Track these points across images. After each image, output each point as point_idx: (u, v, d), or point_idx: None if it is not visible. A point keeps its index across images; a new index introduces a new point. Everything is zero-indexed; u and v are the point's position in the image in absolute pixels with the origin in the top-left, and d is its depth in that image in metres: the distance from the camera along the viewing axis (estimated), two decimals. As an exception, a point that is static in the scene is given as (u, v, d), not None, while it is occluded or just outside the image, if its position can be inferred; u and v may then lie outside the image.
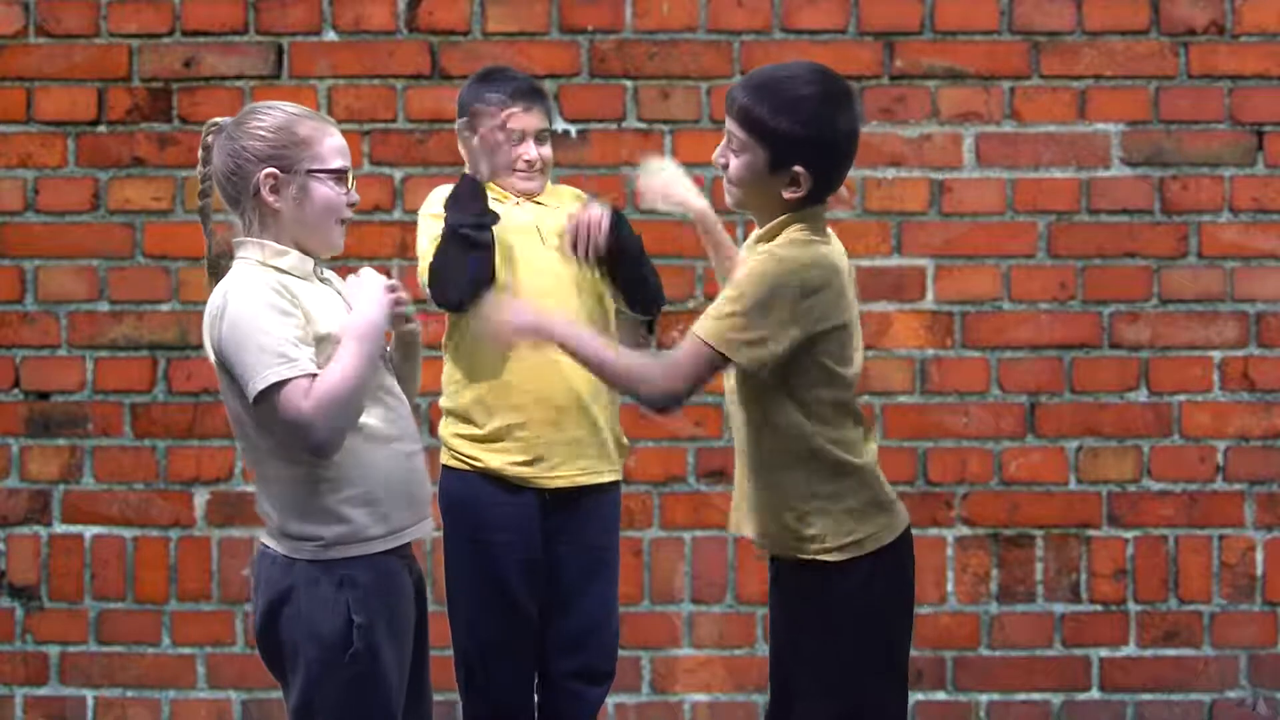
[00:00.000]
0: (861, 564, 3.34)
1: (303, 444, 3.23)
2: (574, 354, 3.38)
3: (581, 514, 4.18)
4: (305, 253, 3.36)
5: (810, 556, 3.35)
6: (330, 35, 5.26)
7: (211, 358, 3.31)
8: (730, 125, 3.38)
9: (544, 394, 4.10)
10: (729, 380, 3.43)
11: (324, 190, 3.34)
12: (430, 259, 4.06)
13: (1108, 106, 5.23)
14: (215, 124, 3.40)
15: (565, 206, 4.23)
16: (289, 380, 3.20)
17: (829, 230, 3.43)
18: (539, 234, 4.14)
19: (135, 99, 5.26)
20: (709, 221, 3.80)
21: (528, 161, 4.16)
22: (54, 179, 5.27)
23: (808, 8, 5.23)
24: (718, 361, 3.29)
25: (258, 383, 3.20)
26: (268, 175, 3.31)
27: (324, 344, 3.29)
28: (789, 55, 5.20)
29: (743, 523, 3.47)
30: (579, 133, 5.20)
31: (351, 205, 3.40)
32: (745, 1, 5.24)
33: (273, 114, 3.37)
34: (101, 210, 5.27)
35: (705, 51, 5.23)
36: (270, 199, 3.32)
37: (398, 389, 3.43)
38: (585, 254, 4.05)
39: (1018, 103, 5.23)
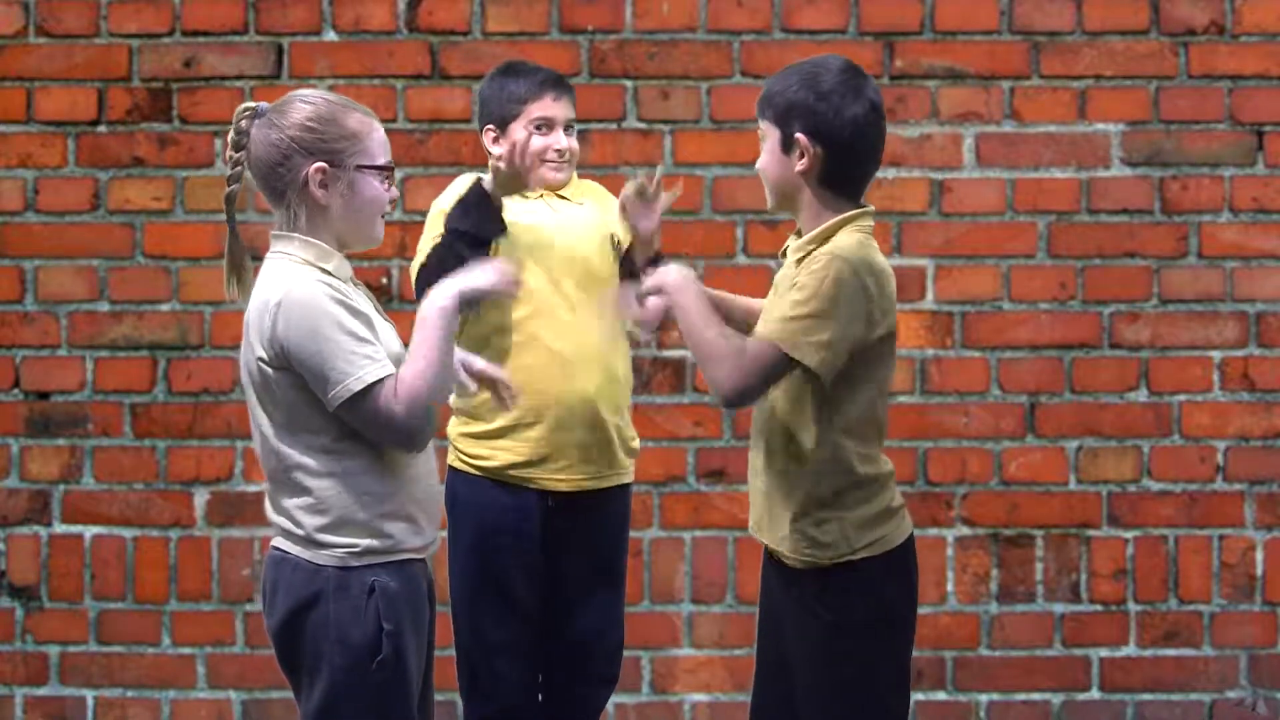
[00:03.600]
0: (872, 564, 3.35)
1: (398, 444, 3.22)
2: (685, 322, 3.36)
3: (586, 519, 4.15)
4: (344, 248, 3.31)
5: (825, 563, 3.35)
6: (330, 35, 5.26)
7: (258, 354, 3.21)
8: (759, 121, 3.41)
9: (552, 395, 4.07)
10: None
11: (371, 186, 3.28)
12: (424, 257, 4.02)
13: (1108, 106, 5.23)
14: (251, 109, 3.30)
15: (590, 202, 4.22)
16: (383, 380, 3.17)
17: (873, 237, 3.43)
18: (552, 228, 4.11)
19: (135, 99, 5.26)
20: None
21: (558, 151, 4.12)
22: (54, 179, 5.27)
23: (808, 8, 5.23)
24: (785, 364, 3.27)
25: (351, 384, 3.15)
26: (317, 170, 3.23)
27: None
28: (789, 55, 5.19)
29: (760, 527, 3.47)
30: (579, 133, 5.19)
31: (392, 202, 3.34)
32: (745, 1, 5.24)
33: (320, 105, 3.29)
34: (101, 210, 5.27)
35: (705, 51, 5.23)
36: (319, 194, 3.24)
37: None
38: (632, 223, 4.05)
39: (1018, 103, 5.23)
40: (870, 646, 3.34)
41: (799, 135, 3.32)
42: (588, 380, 4.08)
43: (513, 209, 4.06)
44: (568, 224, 4.11)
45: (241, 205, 3.53)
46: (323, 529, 3.24)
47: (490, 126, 4.15)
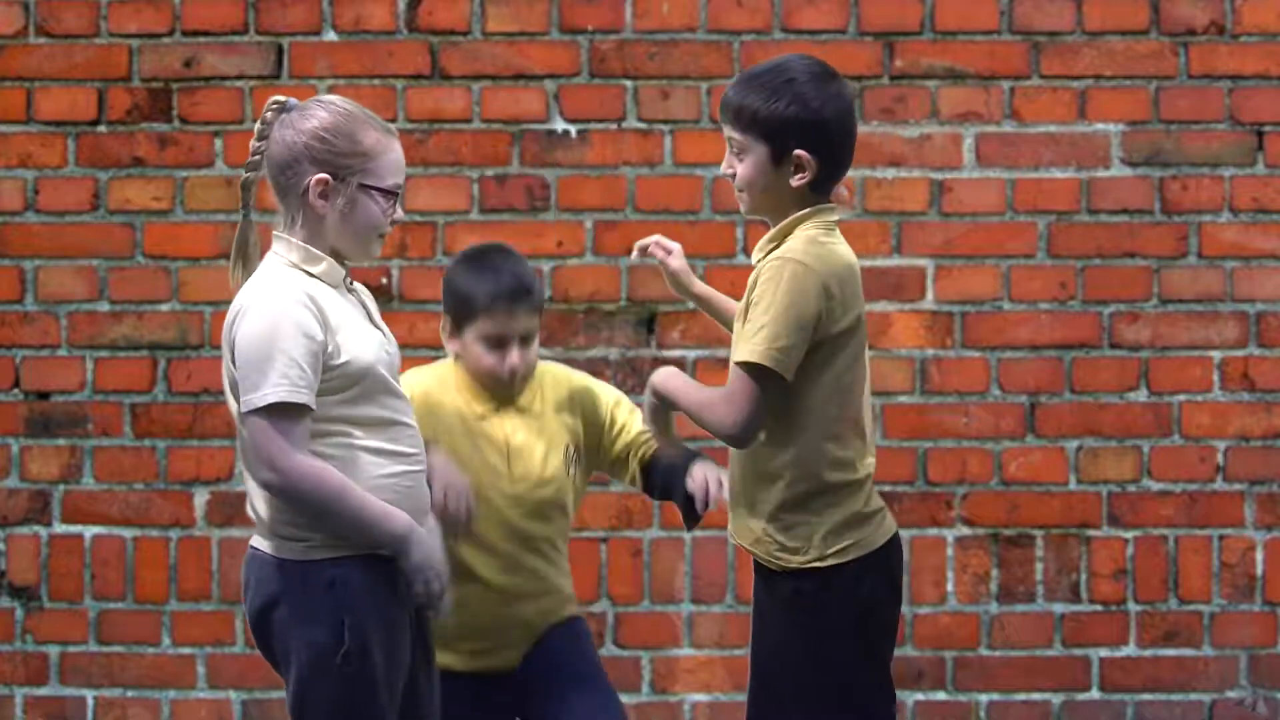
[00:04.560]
0: (848, 568, 3.35)
1: (258, 476, 3.18)
2: (680, 400, 3.41)
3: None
4: (338, 258, 3.30)
5: (794, 566, 3.36)
6: (330, 35, 5.26)
7: (226, 354, 3.26)
8: (728, 131, 3.39)
9: (489, 623, 3.87)
10: None
11: (371, 207, 3.27)
12: None
13: (1108, 106, 5.23)
14: (280, 103, 3.31)
15: (545, 407, 3.96)
16: (294, 407, 3.15)
17: (837, 231, 3.43)
18: (506, 455, 3.89)
19: (135, 99, 5.26)
20: (707, 296, 3.81)
21: (511, 369, 3.85)
22: (54, 179, 5.27)
23: (808, 8, 5.23)
24: (765, 379, 3.27)
25: (255, 400, 3.15)
26: (319, 181, 3.23)
27: (358, 379, 3.22)
28: (789, 55, 5.21)
29: (734, 530, 3.48)
30: (579, 133, 5.20)
31: (393, 223, 3.32)
32: (745, 1, 5.23)
33: (339, 116, 3.28)
34: (101, 210, 5.27)
35: (705, 51, 5.23)
36: (317, 204, 3.24)
37: (411, 418, 3.36)
38: (703, 509, 3.73)
39: (1018, 103, 5.23)
40: (848, 647, 3.35)
41: (799, 152, 3.33)
42: (527, 606, 3.89)
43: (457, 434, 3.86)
44: (518, 448, 3.89)
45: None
46: (286, 522, 3.24)
47: (446, 320, 3.92)
